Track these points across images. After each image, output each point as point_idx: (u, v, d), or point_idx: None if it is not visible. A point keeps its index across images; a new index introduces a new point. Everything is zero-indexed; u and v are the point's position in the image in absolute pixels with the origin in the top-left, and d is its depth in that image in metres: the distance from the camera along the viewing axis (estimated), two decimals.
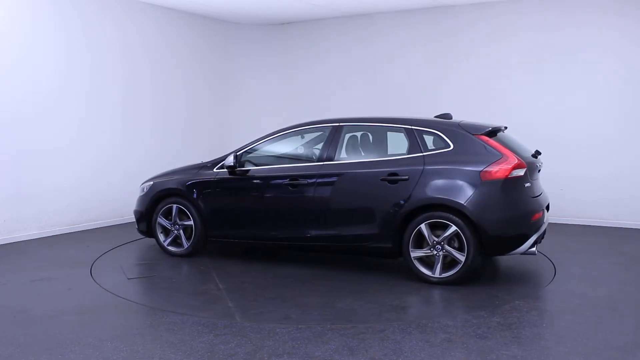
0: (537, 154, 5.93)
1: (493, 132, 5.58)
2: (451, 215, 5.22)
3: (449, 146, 5.43)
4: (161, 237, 6.54)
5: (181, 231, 6.41)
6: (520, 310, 4.61)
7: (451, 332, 4.12)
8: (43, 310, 4.64)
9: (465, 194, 5.20)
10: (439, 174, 5.33)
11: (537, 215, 5.35)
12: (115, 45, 8.42)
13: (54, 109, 7.62)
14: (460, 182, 5.24)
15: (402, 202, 5.39)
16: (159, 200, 6.51)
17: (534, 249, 5.36)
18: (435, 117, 6.00)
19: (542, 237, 5.69)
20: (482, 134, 5.44)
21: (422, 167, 5.40)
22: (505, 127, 6.01)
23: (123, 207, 8.59)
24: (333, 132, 5.96)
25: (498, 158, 5.23)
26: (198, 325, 4.27)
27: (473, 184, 5.19)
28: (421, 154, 5.49)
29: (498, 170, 5.17)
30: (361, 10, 9.46)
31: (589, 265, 6.09)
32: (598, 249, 6.82)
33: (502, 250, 5.36)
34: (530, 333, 4.10)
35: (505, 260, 6.35)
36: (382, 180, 5.50)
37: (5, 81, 7.07)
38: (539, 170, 5.85)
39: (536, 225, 5.36)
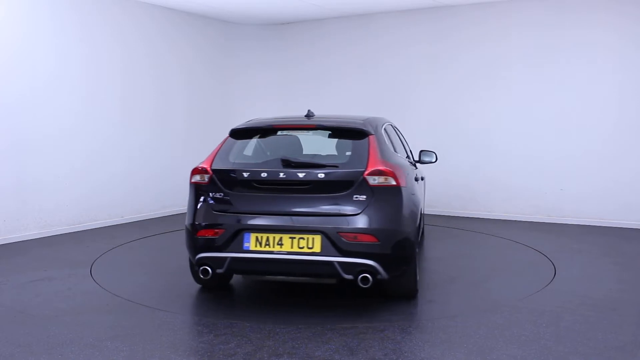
0: (314, 165, 4.52)
1: (247, 132, 4.92)
2: None
3: None
4: None
5: None
6: (521, 310, 4.60)
7: (451, 332, 4.12)
8: (43, 310, 4.64)
9: None
10: None
11: (205, 232, 4.46)
12: (114, 44, 8.41)
13: (54, 110, 7.61)
14: None
15: None
16: None
17: (204, 274, 4.47)
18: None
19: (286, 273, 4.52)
20: (230, 135, 4.99)
21: None
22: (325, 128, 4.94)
23: (123, 207, 8.60)
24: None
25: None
26: (198, 325, 4.27)
27: None
28: None
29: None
30: (360, 10, 9.46)
31: (589, 265, 6.09)
32: (598, 249, 6.82)
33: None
34: (530, 333, 4.09)
35: (505, 260, 6.34)
36: None
37: (5, 82, 7.08)
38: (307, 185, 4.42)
39: (203, 244, 4.45)
